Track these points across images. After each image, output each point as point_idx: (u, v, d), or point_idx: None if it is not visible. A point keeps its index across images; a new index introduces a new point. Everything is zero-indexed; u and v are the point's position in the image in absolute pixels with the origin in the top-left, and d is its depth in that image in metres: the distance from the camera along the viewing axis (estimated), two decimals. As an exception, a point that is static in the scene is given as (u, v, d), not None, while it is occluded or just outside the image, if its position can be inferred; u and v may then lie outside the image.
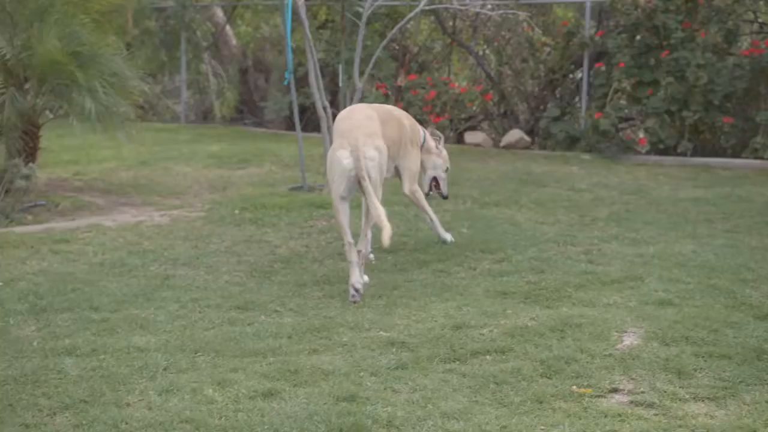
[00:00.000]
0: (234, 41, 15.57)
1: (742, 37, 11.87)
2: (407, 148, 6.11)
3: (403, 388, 3.78)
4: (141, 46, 14.49)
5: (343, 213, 5.29)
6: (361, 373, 3.94)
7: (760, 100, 10.78)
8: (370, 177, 5.11)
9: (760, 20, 12.47)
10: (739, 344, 4.16)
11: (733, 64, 10.59)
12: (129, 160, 10.24)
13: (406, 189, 6.23)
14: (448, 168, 6.56)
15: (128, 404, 3.63)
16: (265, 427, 3.41)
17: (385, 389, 3.76)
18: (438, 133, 6.59)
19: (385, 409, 3.54)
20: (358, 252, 5.20)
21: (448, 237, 6.40)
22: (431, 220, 6.44)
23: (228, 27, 15.48)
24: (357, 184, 5.18)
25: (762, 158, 10.30)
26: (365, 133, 5.24)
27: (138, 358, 4.14)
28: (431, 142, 6.48)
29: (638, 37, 11.25)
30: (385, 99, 12.77)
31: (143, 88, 9.23)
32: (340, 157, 5.18)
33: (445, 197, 6.67)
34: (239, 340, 4.39)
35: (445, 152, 6.53)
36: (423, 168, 6.42)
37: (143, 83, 9.20)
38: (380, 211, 4.96)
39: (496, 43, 13.09)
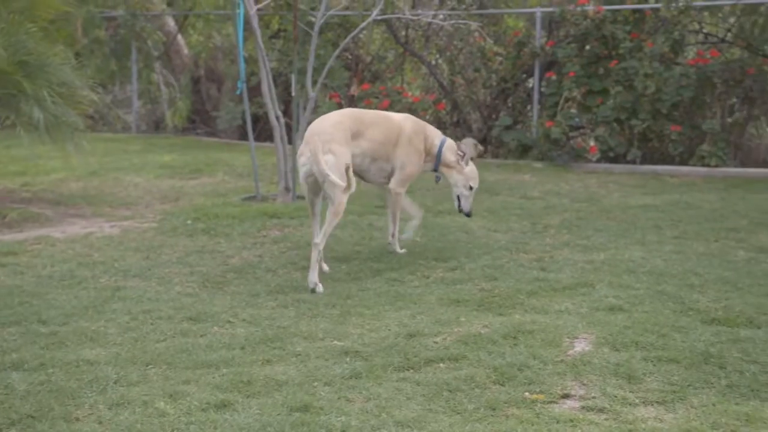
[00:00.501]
0: (186, 51, 15.46)
1: (688, 47, 12.11)
2: (402, 151, 6.15)
3: (357, 397, 3.78)
4: (90, 56, 14.33)
5: (311, 213, 5.87)
6: (315, 383, 3.93)
7: (706, 109, 11.00)
8: (327, 178, 5.47)
9: (705, 31, 12.75)
10: (687, 348, 4.23)
11: (679, 73, 10.80)
12: (78, 170, 10.10)
13: (390, 185, 6.24)
14: (471, 186, 6.32)
15: (77, 419, 3.57)
16: (218, 439, 3.38)
17: (339, 399, 3.76)
18: (463, 149, 6.27)
19: (339, 418, 3.53)
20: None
21: (398, 248, 6.40)
22: (392, 228, 6.39)
23: (179, 36, 15.37)
24: (318, 185, 5.66)
25: (708, 165, 10.51)
26: (323, 140, 5.62)
27: (87, 371, 4.07)
28: (449, 157, 6.28)
29: (588, 47, 11.44)
30: (339, 108, 12.78)
31: (93, 97, 9.12)
32: (298, 162, 5.80)
33: (467, 215, 6.41)
34: (191, 351, 4.35)
35: (469, 169, 6.29)
36: (450, 183, 6.34)
37: (93, 93, 9.09)
38: (341, 206, 5.53)
39: (448, 53, 13.18)
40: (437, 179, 6.53)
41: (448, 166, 6.33)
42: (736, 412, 3.50)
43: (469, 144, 6.35)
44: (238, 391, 3.84)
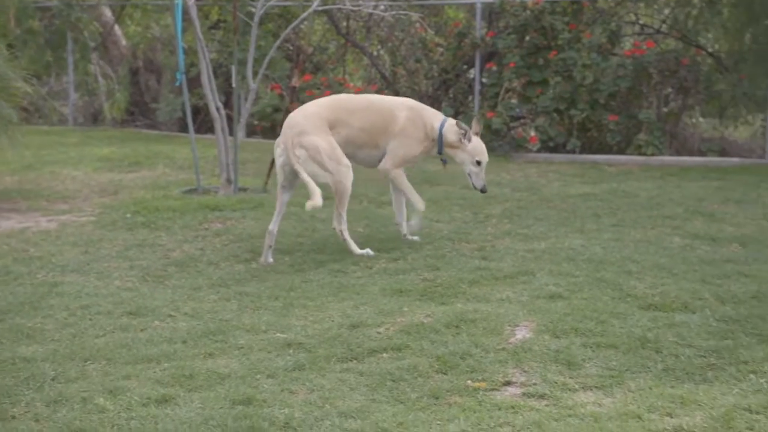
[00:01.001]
0: (123, 41, 15.19)
1: (625, 38, 12.31)
2: (395, 141, 6.16)
3: (300, 389, 3.77)
4: (24, 47, 13.98)
5: (279, 201, 6.10)
6: (258, 376, 3.91)
7: (642, 99, 11.20)
8: (299, 175, 5.81)
9: (641, 22, 12.97)
10: (625, 334, 4.32)
11: (616, 64, 10.97)
12: (13, 164, 9.86)
13: (383, 166, 6.22)
14: (479, 161, 6.12)
15: (13, 417, 3.51)
16: (159, 434, 3.34)
17: (282, 391, 3.75)
18: (463, 126, 6.13)
19: (282, 410, 3.53)
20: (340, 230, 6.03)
21: (409, 235, 6.35)
22: (398, 215, 6.40)
23: (117, 27, 15.10)
24: (294, 176, 5.95)
25: (645, 154, 10.70)
26: (294, 133, 5.87)
27: (24, 368, 3.99)
28: (451, 137, 6.15)
29: (527, 38, 11.53)
30: (280, 99, 12.72)
31: (27, 89, 8.91)
32: (275, 153, 6.10)
33: (481, 191, 6.25)
34: (131, 346, 4.30)
35: (472, 145, 6.11)
36: (458, 163, 6.23)
37: (27, 84, 8.88)
38: (316, 193, 5.68)
39: (389, 44, 13.20)
40: (444, 162, 6.39)
41: (452, 146, 6.17)
42: (671, 395, 3.58)
43: (472, 120, 6.27)
44: (180, 386, 3.80)
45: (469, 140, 6.13)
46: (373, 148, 6.22)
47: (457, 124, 6.16)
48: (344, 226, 6.05)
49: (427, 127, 6.21)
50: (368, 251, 6.05)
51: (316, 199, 5.64)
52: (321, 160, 5.87)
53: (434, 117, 6.25)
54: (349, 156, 6.12)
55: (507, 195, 8.41)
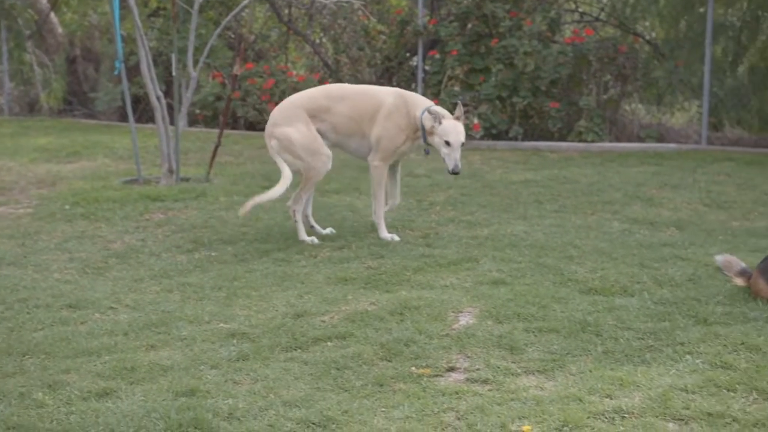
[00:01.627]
0: (60, 29, 14.87)
1: (565, 25, 12.45)
2: (378, 126, 6.09)
3: (244, 379, 3.76)
4: (-45, 35, 13.61)
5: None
6: (201, 367, 3.88)
7: (583, 86, 11.36)
8: (277, 156, 6.12)
9: (580, 10, 13.13)
10: (566, 318, 4.38)
11: (557, 51, 11.09)
12: (-54, 155, 9.62)
13: (371, 158, 6.18)
14: (447, 142, 5.91)
15: (-51, 414, 3.42)
16: (100, 428, 3.29)
17: (226, 381, 3.72)
18: (434, 110, 5.98)
19: (226, 401, 3.51)
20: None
21: (388, 236, 6.11)
22: (375, 210, 6.23)
23: (53, 14, 14.76)
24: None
25: (585, 141, 10.86)
26: (270, 123, 6.20)
27: (-40, 365, 3.90)
28: (427, 123, 6.01)
29: (469, 26, 11.59)
30: (222, 88, 12.59)
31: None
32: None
33: (451, 172, 5.98)
34: (71, 339, 4.22)
35: (442, 127, 5.91)
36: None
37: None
38: (287, 180, 5.97)
39: (332, 32, 13.14)
40: (426, 152, 6.24)
41: (430, 133, 6.02)
42: (611, 377, 3.65)
43: (433, 108, 6.06)
44: (122, 378, 3.75)
45: (440, 123, 5.97)
46: (362, 137, 6.19)
47: (429, 109, 6.03)
48: (299, 207, 6.14)
49: (410, 116, 6.10)
50: (313, 239, 6.07)
51: (279, 187, 5.92)
52: (293, 150, 6.06)
53: (417, 105, 6.12)
54: (339, 146, 6.20)
55: (451, 182, 8.46)
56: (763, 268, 4.61)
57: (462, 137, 5.98)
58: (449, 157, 5.97)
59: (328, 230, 6.36)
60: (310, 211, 6.37)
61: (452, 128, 5.98)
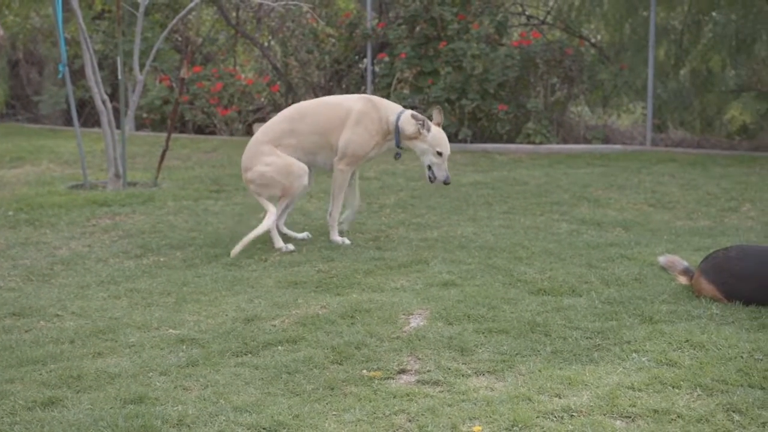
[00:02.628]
0: (1, 32, 14.55)
1: (512, 28, 12.58)
2: (347, 132, 6.02)
3: (194, 385, 3.72)
4: None
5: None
6: (150, 374, 3.84)
7: (530, 89, 11.48)
8: (259, 196, 6.17)
9: (527, 13, 13.28)
10: (515, 319, 4.42)
11: (504, 54, 11.20)
12: None
13: (336, 161, 6.10)
14: (439, 152, 5.93)
15: None
16: (47, 438, 3.24)
17: (175, 388, 3.68)
18: (419, 116, 5.93)
19: (175, 408, 3.47)
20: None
21: (339, 240, 6.11)
22: (330, 212, 6.20)
23: (-6, 16, 14.47)
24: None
25: (533, 143, 10.98)
26: (243, 169, 6.22)
27: None
28: (408, 129, 5.97)
29: (417, 29, 11.65)
30: (170, 92, 12.47)
31: None
32: None
33: (445, 182, 6.01)
34: (15, 348, 4.14)
35: (432, 135, 5.93)
36: (418, 155, 6.07)
37: None
38: (272, 215, 5.99)
39: (280, 35, 13.10)
40: (397, 156, 6.21)
41: (410, 138, 5.99)
42: (560, 377, 3.69)
43: (414, 114, 6.05)
44: (68, 387, 3.69)
45: (429, 130, 5.94)
46: (329, 150, 6.10)
47: (413, 115, 6.00)
48: (272, 220, 5.97)
49: (382, 121, 6.03)
50: (289, 246, 5.98)
51: (266, 222, 5.90)
52: (269, 183, 6.05)
53: (390, 110, 6.08)
54: (308, 164, 6.12)
55: (401, 185, 8.48)
56: (705, 267, 4.71)
57: (449, 147, 6.08)
58: (440, 167, 5.99)
59: (305, 234, 6.31)
60: (282, 221, 6.30)
61: (441, 138, 6.00)
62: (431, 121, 6.03)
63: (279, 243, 6.00)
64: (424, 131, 5.94)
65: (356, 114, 6.05)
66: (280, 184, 6.05)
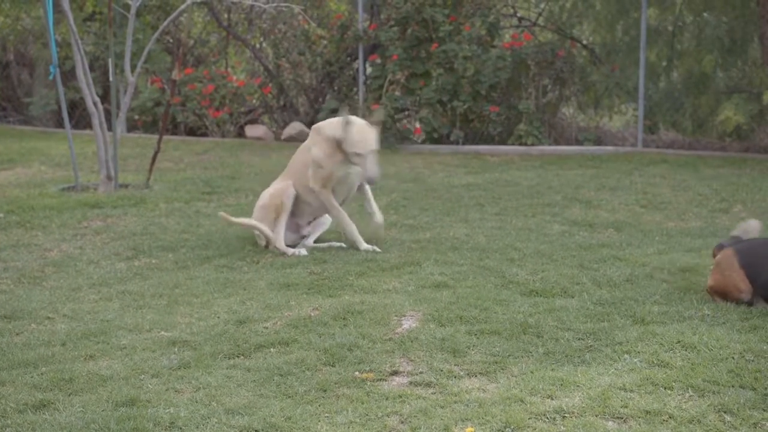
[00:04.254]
0: (-8, 33, 14.53)
1: (504, 30, 12.60)
2: (307, 158, 6.06)
3: (186, 387, 3.71)
4: None
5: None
6: (142, 376, 3.83)
7: (522, 90, 11.50)
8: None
9: (518, 15, 13.30)
10: (507, 320, 4.42)
11: (496, 56, 11.21)
12: None
13: (311, 184, 6.02)
14: (357, 153, 5.78)
15: None
16: (38, 441, 3.23)
17: (167, 390, 3.68)
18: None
19: (167, 410, 3.46)
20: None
21: (368, 247, 5.96)
22: (341, 226, 6.09)
23: (-16, 18, 14.43)
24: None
25: (525, 144, 11.00)
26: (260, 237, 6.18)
27: None
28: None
29: (409, 31, 11.65)
30: (161, 93, 12.45)
31: None
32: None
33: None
34: (6, 351, 4.13)
35: (349, 137, 5.78)
36: None
37: None
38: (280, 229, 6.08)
39: (272, 36, 13.09)
40: None
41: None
42: (552, 378, 3.70)
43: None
44: (59, 390, 3.68)
45: (346, 133, 5.85)
46: (311, 192, 6.05)
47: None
48: (278, 238, 6.00)
49: (329, 141, 5.88)
50: (301, 251, 5.95)
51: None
52: (267, 214, 6.05)
53: (332, 126, 5.93)
54: (315, 215, 6.22)
55: (393, 186, 8.48)
56: (740, 248, 4.65)
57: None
58: (364, 166, 5.81)
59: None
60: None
61: (357, 138, 5.79)
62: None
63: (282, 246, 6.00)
64: (343, 134, 5.80)
65: (307, 143, 6.09)
66: (270, 206, 6.09)
